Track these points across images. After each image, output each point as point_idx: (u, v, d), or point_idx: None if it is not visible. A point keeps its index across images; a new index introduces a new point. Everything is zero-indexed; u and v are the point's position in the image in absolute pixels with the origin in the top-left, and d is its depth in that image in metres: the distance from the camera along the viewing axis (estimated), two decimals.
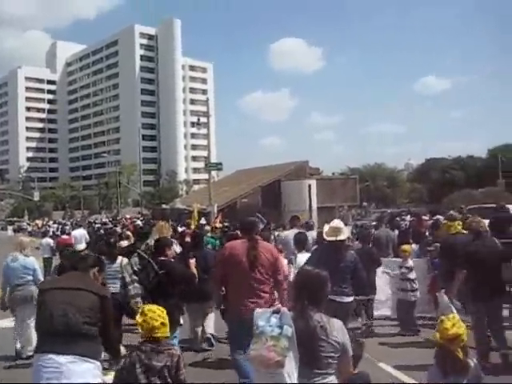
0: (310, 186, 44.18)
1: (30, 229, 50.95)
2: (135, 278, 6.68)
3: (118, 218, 44.20)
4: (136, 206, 76.48)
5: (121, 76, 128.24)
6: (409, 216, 21.11)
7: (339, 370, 3.58)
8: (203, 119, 35.39)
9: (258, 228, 6.23)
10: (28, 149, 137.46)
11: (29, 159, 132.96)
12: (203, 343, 8.18)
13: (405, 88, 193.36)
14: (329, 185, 47.18)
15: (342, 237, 6.67)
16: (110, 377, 4.03)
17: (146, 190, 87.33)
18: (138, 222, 26.71)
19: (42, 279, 8.17)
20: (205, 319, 8.26)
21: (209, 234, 14.32)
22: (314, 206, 42.98)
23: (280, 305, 4.66)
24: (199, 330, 8.29)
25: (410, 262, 9.33)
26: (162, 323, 3.89)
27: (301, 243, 8.29)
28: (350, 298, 6.65)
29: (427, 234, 11.76)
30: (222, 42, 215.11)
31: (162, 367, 3.77)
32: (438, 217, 13.51)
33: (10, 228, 60.71)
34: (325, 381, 3.47)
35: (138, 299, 6.40)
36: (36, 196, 76.29)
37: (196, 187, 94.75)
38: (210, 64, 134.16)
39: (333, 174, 64.82)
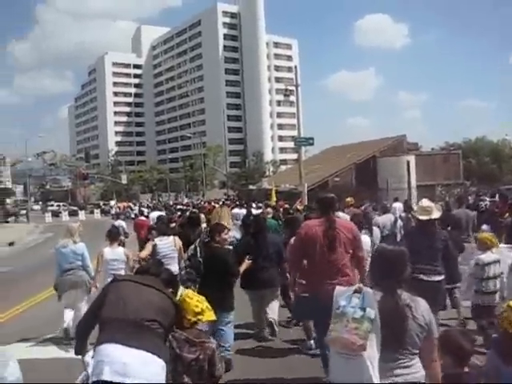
0: (408, 162, 41.02)
1: (113, 211, 50.80)
2: (188, 262, 7.09)
3: (197, 201, 43.83)
4: (222, 187, 76.81)
5: (204, 56, 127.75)
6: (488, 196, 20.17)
7: (422, 354, 3.37)
8: (291, 88, 32.49)
9: (336, 206, 6.02)
10: (116, 133, 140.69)
11: (117, 143, 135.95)
12: (264, 330, 8.02)
13: (496, 62, 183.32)
14: (429, 161, 44.56)
15: (434, 215, 6.64)
16: None
17: (232, 171, 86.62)
18: (214, 205, 25.22)
19: (90, 265, 8.41)
20: (268, 306, 8.06)
21: (269, 216, 13.43)
22: (413, 183, 39.58)
23: (361, 283, 3.77)
24: (263, 317, 8.06)
25: (493, 256, 7.01)
26: (207, 307, 3.89)
27: (358, 225, 7.48)
28: (442, 277, 6.61)
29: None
30: (306, 21, 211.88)
31: (192, 360, 3.65)
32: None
33: (96, 211, 61.60)
34: (411, 362, 3.30)
35: (189, 284, 6.48)
36: (124, 179, 77.71)
37: (283, 167, 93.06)
38: (294, 40, 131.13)
39: (432, 149, 60.23)
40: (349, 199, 13.96)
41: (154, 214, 19.86)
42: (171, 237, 8.91)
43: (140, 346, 3.45)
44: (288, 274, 7.20)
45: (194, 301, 3.92)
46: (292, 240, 6.98)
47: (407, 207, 13.79)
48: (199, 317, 3.87)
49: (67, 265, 8.22)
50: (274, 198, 27.33)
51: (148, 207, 40.43)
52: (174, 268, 8.43)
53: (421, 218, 6.69)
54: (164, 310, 3.71)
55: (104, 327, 3.62)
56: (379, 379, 3.20)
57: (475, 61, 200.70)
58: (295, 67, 32.40)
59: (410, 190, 38.17)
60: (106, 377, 3.33)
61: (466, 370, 3.70)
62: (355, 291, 3.39)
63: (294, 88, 31.93)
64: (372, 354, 3.19)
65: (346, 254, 5.51)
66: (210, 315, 3.92)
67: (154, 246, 8.78)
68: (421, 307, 3.42)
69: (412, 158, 41.72)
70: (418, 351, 3.35)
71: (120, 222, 18.74)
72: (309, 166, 39.00)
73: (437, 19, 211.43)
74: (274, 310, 8.05)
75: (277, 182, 45.22)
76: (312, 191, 31.39)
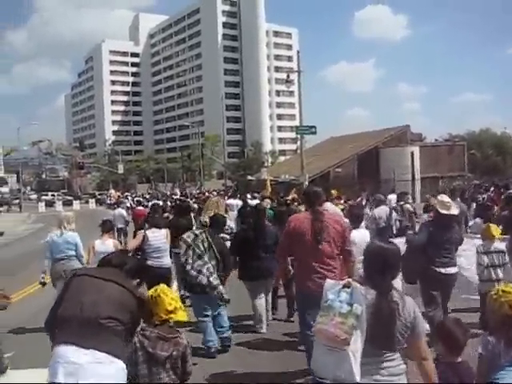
0: (412, 153, 40.18)
1: (108, 201, 50.57)
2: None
3: (195, 192, 43.57)
4: (220, 178, 76.30)
5: (203, 45, 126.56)
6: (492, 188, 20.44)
7: (412, 352, 3.50)
8: (292, 76, 31.59)
9: (323, 199, 5.90)
10: (113, 122, 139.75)
11: (114, 132, 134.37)
12: (262, 323, 7.89)
13: (495, 55, 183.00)
14: (433, 152, 43.69)
15: (454, 211, 6.85)
16: None
17: (231, 161, 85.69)
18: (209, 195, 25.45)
19: (83, 254, 8.42)
20: (267, 296, 8.17)
21: (268, 206, 13.50)
22: (417, 175, 38.70)
23: (349, 278, 3.70)
24: (261, 308, 7.94)
25: (497, 245, 7.55)
26: (180, 306, 3.77)
27: (357, 218, 7.78)
28: (455, 269, 6.84)
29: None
30: (306, 11, 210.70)
31: (166, 358, 3.57)
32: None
33: (91, 201, 61.18)
34: (394, 356, 3.41)
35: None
36: (120, 169, 76.46)
37: (282, 158, 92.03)
38: (294, 29, 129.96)
39: (435, 140, 59.11)
40: (333, 191, 14.07)
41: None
42: (163, 229, 8.82)
43: (95, 347, 3.35)
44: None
45: (169, 298, 3.75)
46: None
47: (401, 198, 13.79)
48: (171, 315, 3.73)
49: (59, 254, 8.22)
50: (269, 189, 26.99)
51: (144, 197, 39.41)
52: (167, 261, 8.74)
53: (442, 211, 6.78)
54: (124, 305, 3.56)
55: (60, 326, 3.52)
56: (363, 373, 3.25)
57: (474, 53, 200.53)
58: (297, 52, 31.43)
59: (413, 181, 37.31)
60: (60, 379, 3.29)
61: (459, 359, 3.73)
62: (344, 286, 3.42)
63: (295, 75, 30.98)
64: (355, 349, 3.22)
65: (334, 246, 5.48)
66: (182, 315, 3.78)
67: (145, 237, 8.64)
68: (407, 305, 3.45)
69: (416, 149, 40.99)
70: (400, 347, 3.44)
71: (120, 211, 19.22)
72: (309, 157, 37.97)
73: (436, 10, 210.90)
74: (264, 304, 8.04)
75: (276, 173, 44.64)
76: (313, 182, 30.76)
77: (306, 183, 28.86)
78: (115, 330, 3.46)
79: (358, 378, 3.22)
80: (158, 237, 8.65)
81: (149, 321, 3.76)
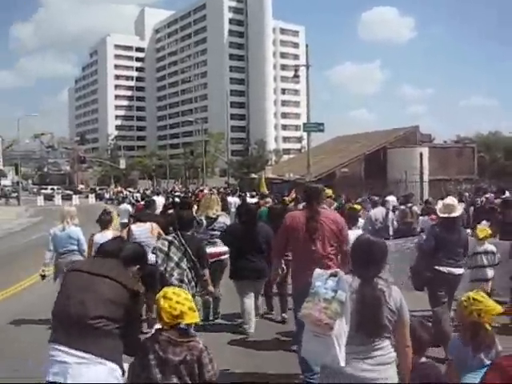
0: (421, 154, 39.15)
1: (107, 196, 49.78)
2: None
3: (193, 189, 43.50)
4: (223, 175, 75.68)
5: (209, 41, 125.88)
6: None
7: (396, 338, 3.63)
8: (298, 71, 30.63)
9: (322, 197, 5.89)
10: (117, 117, 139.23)
11: (117, 127, 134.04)
12: (250, 324, 7.76)
13: (501, 58, 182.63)
14: (443, 154, 42.73)
15: (455, 213, 6.85)
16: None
17: (234, 159, 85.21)
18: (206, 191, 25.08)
19: (86, 249, 8.37)
20: (257, 298, 8.11)
21: (267, 205, 13.81)
22: (426, 177, 37.69)
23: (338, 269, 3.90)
24: (249, 307, 7.78)
25: (486, 246, 7.98)
26: (190, 308, 3.54)
27: (353, 220, 8.12)
28: (461, 270, 6.89)
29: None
30: (313, 10, 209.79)
31: (180, 362, 3.40)
32: (508, 194, 14.26)
33: (91, 196, 61.84)
34: (384, 344, 3.53)
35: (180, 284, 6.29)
36: (122, 164, 76.54)
37: (286, 157, 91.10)
38: (301, 27, 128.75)
39: (444, 142, 57.98)
40: (327, 191, 13.71)
41: (161, 200, 19.94)
42: (148, 223, 8.66)
43: (82, 348, 3.31)
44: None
45: (173, 302, 3.52)
46: None
47: (405, 201, 13.86)
48: (178, 320, 3.50)
49: (62, 248, 8.31)
50: (265, 188, 26.73)
51: (144, 194, 38.51)
52: (150, 256, 7.90)
53: (441, 215, 6.96)
54: (114, 301, 3.46)
55: (53, 324, 3.57)
56: (351, 361, 3.39)
57: (482, 56, 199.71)
58: (306, 46, 30.23)
59: (422, 183, 36.29)
60: (49, 377, 3.32)
61: (424, 359, 3.90)
62: (331, 274, 3.56)
63: (302, 70, 29.99)
64: (339, 334, 3.33)
65: (328, 245, 5.46)
66: (192, 317, 3.55)
67: (129, 231, 8.52)
68: (393, 293, 3.60)
69: (425, 150, 39.89)
70: (389, 335, 3.56)
71: (125, 206, 19.49)
72: (314, 156, 36.98)
73: (444, 13, 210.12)
74: (254, 305, 7.96)
75: (280, 172, 43.92)
76: (319, 181, 29.92)
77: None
78: (105, 331, 3.39)
79: (342, 363, 3.33)
80: (143, 231, 8.47)
81: (159, 319, 3.56)
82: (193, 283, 6.41)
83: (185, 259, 6.49)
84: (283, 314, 8.35)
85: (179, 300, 3.54)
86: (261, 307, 8.55)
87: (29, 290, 10.98)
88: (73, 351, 3.30)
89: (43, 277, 8.43)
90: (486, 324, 3.82)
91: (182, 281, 6.36)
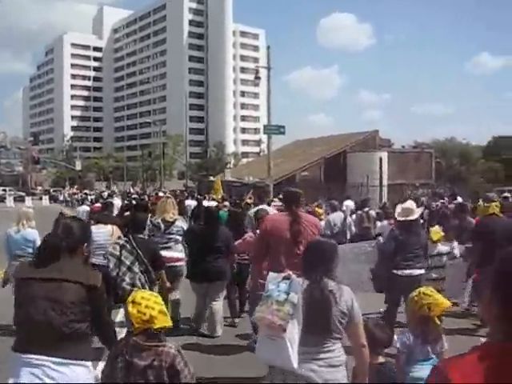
0: (381, 158, 39.50)
1: (61, 198, 48.64)
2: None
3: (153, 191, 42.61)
4: (181, 178, 74.68)
5: (168, 42, 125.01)
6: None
7: (350, 340, 3.69)
8: (259, 73, 30.45)
9: (300, 200, 5.90)
10: (73, 117, 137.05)
11: (73, 128, 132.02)
12: (202, 326, 7.90)
13: (456, 67, 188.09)
14: (401, 159, 43.29)
15: (412, 216, 7.09)
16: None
17: (193, 161, 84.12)
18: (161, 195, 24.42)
19: None
20: (213, 302, 7.86)
21: (225, 209, 14.04)
22: (385, 181, 38.09)
23: (290, 271, 3.87)
24: (204, 313, 7.91)
25: (440, 248, 8.40)
26: (160, 311, 3.47)
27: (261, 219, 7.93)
28: (420, 271, 7.02)
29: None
30: (272, 14, 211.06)
31: (146, 367, 3.35)
32: (459, 199, 15.31)
33: (45, 198, 60.35)
34: (334, 346, 3.57)
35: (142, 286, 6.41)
36: (78, 165, 74.81)
37: (244, 160, 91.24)
38: (262, 30, 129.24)
39: (402, 146, 58.72)
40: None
41: (117, 202, 20.27)
42: (109, 226, 8.62)
43: (59, 355, 3.29)
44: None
45: (142, 307, 3.40)
46: (248, 235, 8.07)
47: (362, 206, 14.22)
48: (149, 324, 3.38)
49: (18, 251, 8.04)
50: (221, 191, 26.53)
51: (99, 196, 37.72)
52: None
53: (399, 218, 7.22)
54: (76, 303, 3.42)
55: (19, 335, 3.52)
56: (301, 362, 3.40)
57: (436, 65, 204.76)
58: (268, 47, 29.90)
59: (381, 187, 36.55)
60: (24, 379, 3.27)
61: (382, 359, 4.03)
62: (284, 277, 3.60)
63: (260, 73, 29.70)
64: (292, 336, 3.37)
65: None
66: (163, 320, 3.43)
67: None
68: (344, 294, 3.61)
69: (385, 155, 40.21)
70: (340, 336, 3.59)
71: (84, 208, 19.57)
72: (273, 160, 36.80)
73: (401, 21, 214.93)
74: (219, 308, 7.87)
75: (239, 175, 43.58)
76: (278, 185, 29.94)
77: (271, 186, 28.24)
78: (77, 333, 3.39)
79: (295, 365, 3.38)
80: (104, 233, 8.40)
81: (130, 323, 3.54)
82: (146, 287, 6.23)
83: (137, 263, 6.45)
84: (235, 319, 8.34)
85: (148, 304, 3.46)
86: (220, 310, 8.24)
87: None
88: (49, 358, 3.27)
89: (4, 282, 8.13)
90: (434, 318, 4.05)
91: (133, 285, 6.29)
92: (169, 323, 3.55)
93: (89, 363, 3.46)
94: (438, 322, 4.05)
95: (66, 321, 3.37)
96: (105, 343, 3.90)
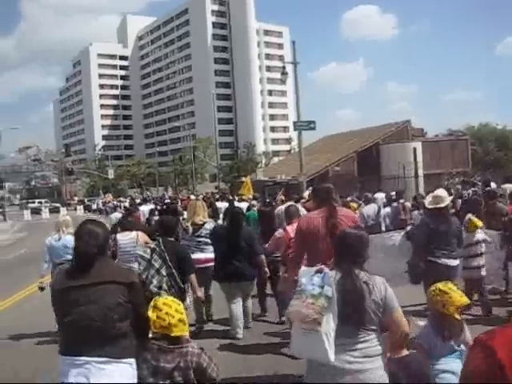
0: (415, 149, 38.57)
1: (94, 207, 48.98)
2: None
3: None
4: (213, 180, 74.93)
5: (193, 46, 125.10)
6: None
7: (390, 327, 3.64)
8: (286, 68, 30.03)
9: (333, 195, 5.65)
10: (103, 127, 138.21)
11: (104, 137, 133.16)
12: (238, 328, 7.75)
13: (485, 51, 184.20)
14: (436, 148, 42.36)
15: (441, 204, 7.00)
16: None
17: (224, 163, 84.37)
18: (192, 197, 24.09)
19: None
20: (245, 301, 8.05)
21: (254, 208, 14.18)
22: (421, 172, 37.27)
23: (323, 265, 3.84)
24: (237, 312, 7.78)
25: (478, 236, 8.29)
26: (180, 320, 3.54)
27: (291, 216, 7.79)
28: (456, 262, 7.05)
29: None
30: (296, 12, 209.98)
31: (173, 369, 3.42)
32: (493, 186, 14.95)
33: (79, 208, 61.22)
34: (369, 337, 3.52)
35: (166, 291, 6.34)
36: (111, 174, 75.70)
37: (276, 159, 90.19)
38: (285, 28, 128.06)
39: (436, 135, 57.53)
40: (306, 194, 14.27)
41: (145, 208, 20.72)
42: (133, 232, 8.64)
43: (103, 354, 3.36)
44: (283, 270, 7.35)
45: (163, 313, 3.51)
46: (277, 233, 7.60)
47: (398, 197, 14.32)
48: (166, 331, 3.49)
49: (58, 258, 8.15)
50: (251, 191, 26.20)
51: (133, 202, 37.86)
52: (136, 265, 8.41)
53: (428, 206, 7.17)
54: (119, 303, 3.47)
55: (64, 338, 3.58)
56: (335, 353, 3.35)
57: (463, 51, 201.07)
58: (293, 43, 29.37)
59: (417, 178, 35.86)
60: (69, 379, 3.34)
61: (406, 352, 3.86)
62: (317, 271, 3.57)
63: (287, 69, 29.21)
64: (328, 329, 3.35)
65: None
66: (181, 329, 3.52)
67: (115, 240, 8.30)
68: (377, 285, 3.58)
69: (419, 145, 39.38)
70: (375, 327, 3.53)
71: (116, 215, 19.29)
72: (304, 157, 36.37)
73: (425, 9, 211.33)
74: (243, 308, 7.93)
75: (272, 174, 43.20)
76: (311, 181, 29.45)
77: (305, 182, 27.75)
78: (122, 333, 3.45)
79: (332, 358, 3.34)
80: (129, 240, 8.47)
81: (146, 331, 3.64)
82: (173, 290, 6.30)
83: (164, 266, 6.49)
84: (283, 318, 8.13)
85: (169, 311, 3.52)
86: (250, 311, 8.34)
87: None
88: (96, 358, 3.34)
89: (42, 289, 8.07)
90: (451, 315, 4.02)
91: (160, 288, 6.34)
92: (186, 332, 3.61)
93: (132, 360, 3.50)
94: (458, 317, 4.04)
95: (110, 322, 3.42)
96: (138, 339, 3.87)
